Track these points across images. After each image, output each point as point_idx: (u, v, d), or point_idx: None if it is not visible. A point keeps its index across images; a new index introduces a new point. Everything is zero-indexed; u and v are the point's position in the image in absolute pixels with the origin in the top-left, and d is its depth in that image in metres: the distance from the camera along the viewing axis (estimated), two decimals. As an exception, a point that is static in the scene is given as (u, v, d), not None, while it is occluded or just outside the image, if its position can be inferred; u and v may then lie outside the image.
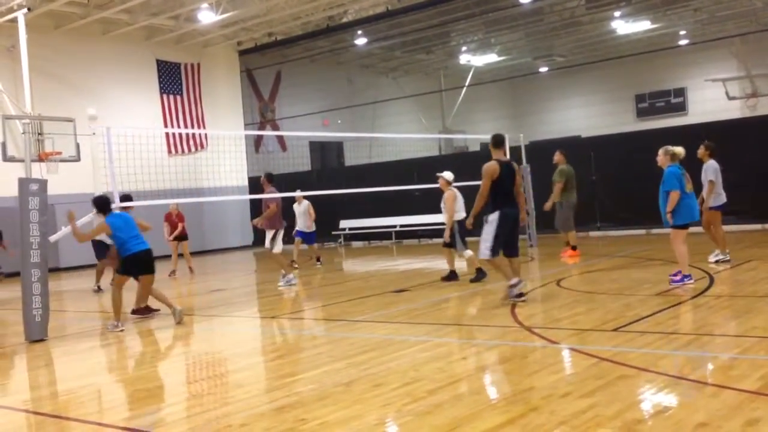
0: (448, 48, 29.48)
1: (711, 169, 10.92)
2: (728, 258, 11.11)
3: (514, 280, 8.74)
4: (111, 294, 9.58)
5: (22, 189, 8.65)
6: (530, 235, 16.75)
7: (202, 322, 9.87)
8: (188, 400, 5.86)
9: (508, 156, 10.41)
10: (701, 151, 11.16)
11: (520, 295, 8.78)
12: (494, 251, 8.72)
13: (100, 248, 13.40)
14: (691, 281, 9.18)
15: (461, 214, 11.03)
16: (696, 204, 9.44)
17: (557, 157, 14.08)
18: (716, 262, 11.11)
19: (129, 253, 9.28)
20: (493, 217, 8.72)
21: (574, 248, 13.89)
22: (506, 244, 8.85)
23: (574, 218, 14.05)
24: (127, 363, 7.69)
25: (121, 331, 9.11)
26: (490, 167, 8.63)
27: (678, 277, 9.25)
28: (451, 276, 11.22)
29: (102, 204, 9.48)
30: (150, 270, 9.54)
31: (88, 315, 11.27)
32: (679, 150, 9.41)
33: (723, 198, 11.05)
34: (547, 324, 7.62)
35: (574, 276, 11.11)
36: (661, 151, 9.50)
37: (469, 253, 11.14)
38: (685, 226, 9.26)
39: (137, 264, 9.41)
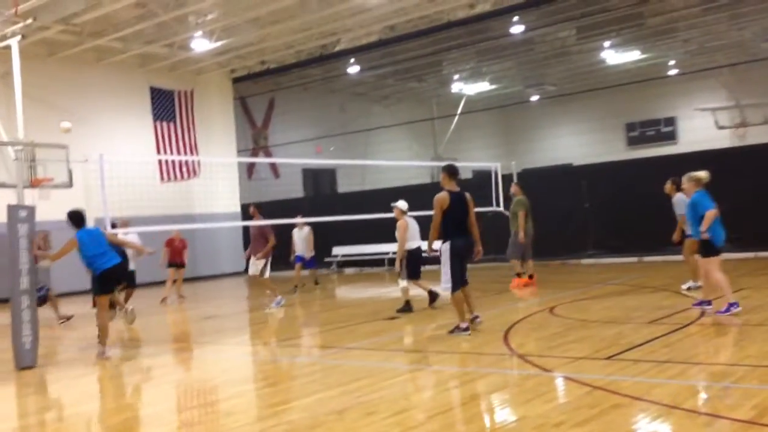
0: (440, 76, 29.71)
1: (680, 203, 11.01)
2: (699, 285, 10.94)
3: (464, 325, 8.72)
4: (97, 320, 9.37)
5: (11, 216, 8.63)
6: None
7: (193, 350, 9.79)
8: (179, 429, 5.79)
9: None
10: (668, 186, 11.40)
11: (467, 328, 8.74)
12: (455, 285, 8.72)
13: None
14: (738, 309, 8.78)
15: (412, 244, 11.20)
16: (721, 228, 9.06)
17: (513, 188, 14.30)
18: (688, 289, 11.25)
19: (100, 270, 9.10)
20: (445, 248, 8.73)
21: (519, 275, 14.00)
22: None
23: (530, 247, 14.13)
24: (116, 390, 7.60)
25: (107, 358, 8.98)
26: (440, 198, 8.68)
27: (724, 307, 8.84)
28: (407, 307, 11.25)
29: (77, 219, 9.28)
30: (121, 282, 9.49)
31: (79, 341, 11.16)
32: (704, 174, 9.18)
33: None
34: (540, 352, 7.59)
35: (567, 303, 11.11)
36: (685, 179, 9.35)
37: (404, 283, 11.28)
38: (719, 252, 8.97)
39: (110, 279, 9.31)
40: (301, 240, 16.10)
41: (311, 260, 16.51)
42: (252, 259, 13.36)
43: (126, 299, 14.14)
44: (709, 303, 9.24)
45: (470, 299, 9.07)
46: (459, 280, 8.74)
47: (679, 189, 11.13)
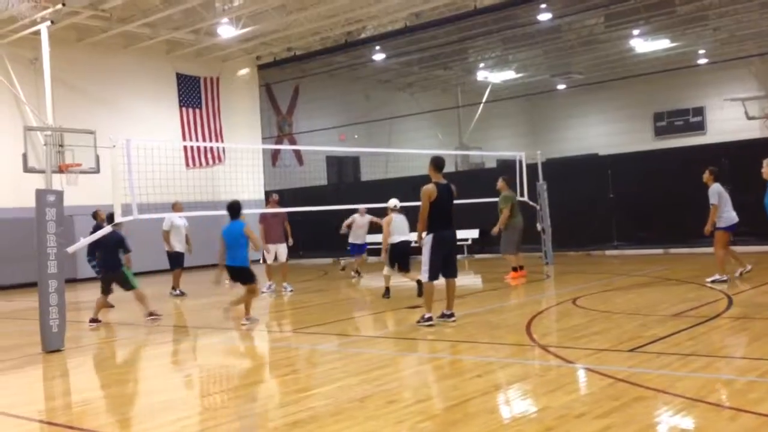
0: (465, 64, 29.54)
1: (714, 193, 11.22)
2: (725, 279, 11.25)
3: (427, 315, 8.81)
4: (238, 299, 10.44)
5: (39, 200, 8.74)
6: (546, 253, 16.67)
7: (216, 335, 9.89)
8: (202, 414, 5.86)
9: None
10: (706, 176, 11.48)
11: (430, 318, 8.82)
12: (432, 275, 8.83)
13: (175, 259, 14.57)
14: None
15: (396, 238, 11.82)
16: None
17: (500, 183, 14.24)
18: (713, 282, 11.26)
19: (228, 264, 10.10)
20: (427, 240, 8.82)
21: (515, 269, 13.95)
22: (445, 264, 8.90)
23: (520, 240, 14.11)
24: (143, 374, 7.71)
25: (247, 323, 10.00)
26: (428, 189, 8.76)
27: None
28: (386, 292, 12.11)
29: (231, 210, 10.12)
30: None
31: (104, 326, 11.32)
32: None
33: (731, 219, 11.26)
34: (562, 343, 7.56)
35: (590, 295, 11.04)
36: (765, 162, 9.47)
37: (386, 271, 12.12)
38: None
39: (231, 275, 10.45)
40: (361, 227, 16.11)
41: (363, 246, 16.61)
42: (280, 246, 14.10)
43: (177, 281, 14.59)
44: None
45: (451, 295, 9.05)
46: (437, 272, 8.84)
47: (716, 179, 11.30)
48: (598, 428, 4.56)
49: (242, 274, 10.16)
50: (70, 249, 9.57)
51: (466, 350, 7.65)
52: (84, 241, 10.92)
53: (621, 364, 6.30)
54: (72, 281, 18.42)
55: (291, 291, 14.16)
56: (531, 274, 14.45)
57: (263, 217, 14.15)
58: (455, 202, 9.06)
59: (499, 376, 6.41)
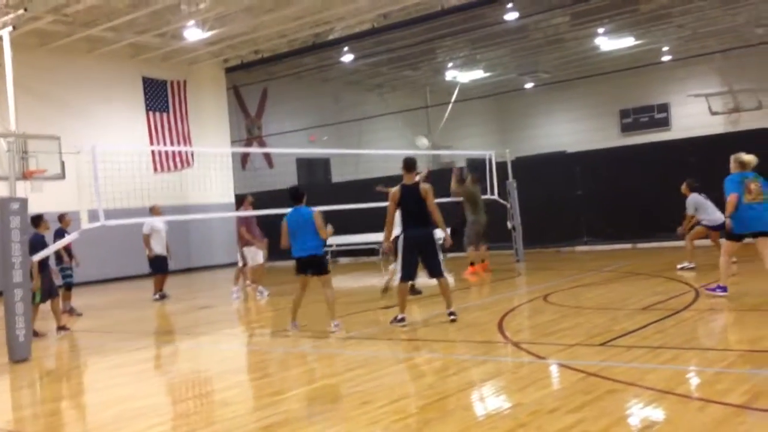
0: (434, 64, 29.62)
1: (690, 204, 12.00)
2: (693, 266, 12.14)
3: (400, 316, 8.87)
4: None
5: (3, 208, 8.59)
6: (517, 251, 16.78)
7: (188, 341, 9.80)
8: (174, 420, 5.80)
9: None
10: (683, 188, 12.19)
11: (403, 319, 8.88)
12: (402, 276, 8.89)
13: (156, 263, 14.51)
14: (724, 293, 9.01)
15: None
16: (756, 214, 8.92)
17: (469, 179, 14.74)
18: (681, 268, 12.16)
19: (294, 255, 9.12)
20: (399, 240, 8.93)
21: (472, 264, 14.42)
22: (426, 265, 8.91)
23: (483, 236, 14.52)
24: (112, 382, 7.60)
25: (292, 330, 9.14)
26: (391, 192, 8.92)
27: (713, 285, 9.28)
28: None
29: (293, 196, 9.20)
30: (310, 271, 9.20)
31: (73, 335, 11.15)
32: (748, 158, 9.27)
33: (717, 220, 11.68)
34: (534, 339, 7.62)
35: (561, 291, 11.14)
36: (732, 158, 9.56)
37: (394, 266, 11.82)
38: (738, 237, 8.99)
39: (298, 266, 9.27)
40: None
41: None
42: (255, 248, 13.83)
43: (160, 286, 14.53)
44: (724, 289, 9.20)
45: (445, 294, 8.99)
46: (408, 272, 8.86)
47: (693, 190, 12.05)
48: (570, 423, 4.61)
49: (315, 264, 9.03)
50: (35, 257, 9.42)
51: (440, 349, 7.67)
52: (51, 248, 10.73)
53: (592, 359, 6.37)
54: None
55: (267, 295, 13.99)
56: (502, 272, 14.55)
57: (244, 220, 13.85)
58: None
59: (472, 374, 6.43)
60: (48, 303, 10.85)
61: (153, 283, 14.84)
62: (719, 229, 11.68)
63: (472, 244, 14.43)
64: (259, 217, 14.44)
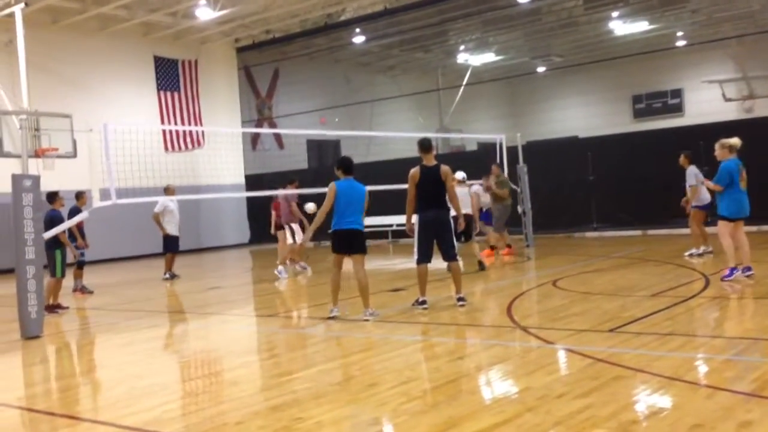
0: (446, 47, 29.45)
1: (691, 175, 11.89)
2: (701, 252, 12.19)
3: (421, 299, 8.83)
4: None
5: (16, 185, 8.63)
6: (527, 236, 16.75)
7: (197, 320, 9.87)
8: (183, 398, 5.85)
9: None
10: (682, 159, 12.10)
11: (424, 302, 8.83)
12: (419, 259, 8.82)
13: (169, 242, 14.61)
14: (742, 273, 9.25)
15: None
16: (746, 200, 9.46)
17: (495, 170, 14.81)
18: (690, 255, 12.17)
19: (333, 228, 8.52)
20: (415, 222, 8.89)
21: (492, 248, 14.81)
22: (440, 248, 8.88)
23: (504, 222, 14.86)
24: (122, 360, 7.66)
25: (334, 317, 8.50)
26: (411, 173, 8.79)
27: (726, 272, 9.33)
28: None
29: (346, 165, 8.70)
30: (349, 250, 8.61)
31: (84, 312, 11.25)
32: (735, 141, 9.44)
33: (705, 199, 11.92)
34: (543, 324, 7.63)
35: (570, 276, 11.13)
36: (717, 145, 9.58)
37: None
38: (731, 220, 9.35)
39: (337, 241, 8.64)
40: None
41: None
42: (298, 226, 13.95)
43: (170, 265, 14.53)
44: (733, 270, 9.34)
45: (456, 278, 8.95)
46: (424, 254, 8.78)
47: (692, 162, 11.97)
48: (578, 408, 4.62)
49: (357, 240, 8.52)
50: (47, 234, 9.48)
51: (448, 333, 7.69)
52: (62, 226, 10.79)
53: (600, 345, 6.37)
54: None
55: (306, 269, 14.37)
56: (512, 257, 14.56)
57: (292, 197, 13.90)
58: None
59: (480, 358, 6.45)
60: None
61: (164, 262, 14.93)
62: (707, 209, 11.80)
63: (499, 230, 14.70)
64: (270, 198, 14.52)
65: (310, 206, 13.36)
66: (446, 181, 8.70)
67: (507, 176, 15.46)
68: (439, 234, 8.81)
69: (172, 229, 14.56)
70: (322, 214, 8.56)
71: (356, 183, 8.68)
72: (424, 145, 8.87)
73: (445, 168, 8.74)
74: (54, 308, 10.81)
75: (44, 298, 10.17)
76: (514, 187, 15.85)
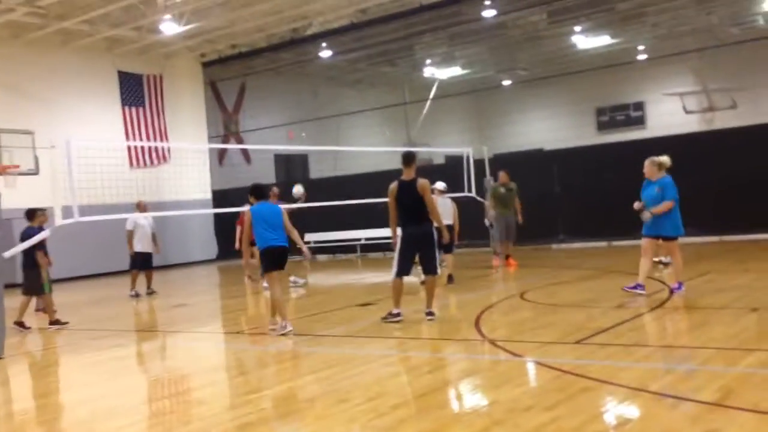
0: (412, 61, 29.62)
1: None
2: (669, 261, 12.00)
3: (395, 311, 8.86)
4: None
5: (-22, 204, 8.47)
6: (494, 248, 16.82)
7: (164, 339, 9.73)
8: (149, 419, 5.76)
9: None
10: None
11: (398, 314, 8.85)
12: (397, 272, 8.81)
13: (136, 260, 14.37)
14: (680, 290, 9.42)
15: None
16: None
17: (504, 177, 15.18)
18: (659, 262, 12.31)
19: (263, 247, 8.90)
20: (399, 236, 8.91)
21: (507, 257, 15.09)
22: (421, 262, 8.92)
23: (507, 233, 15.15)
24: (87, 380, 7.53)
25: (288, 332, 8.58)
26: (390, 188, 8.87)
27: (676, 284, 9.54)
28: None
29: (258, 192, 9.23)
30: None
31: (46, 332, 11.03)
32: (665, 159, 9.67)
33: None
34: (510, 337, 7.67)
35: (537, 289, 11.22)
36: (647, 162, 9.67)
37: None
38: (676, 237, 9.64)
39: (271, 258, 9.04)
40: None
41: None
42: None
43: (144, 283, 14.50)
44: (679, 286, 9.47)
45: (428, 292, 8.96)
46: (402, 268, 8.79)
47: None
48: (545, 420, 4.64)
49: (285, 257, 9.02)
50: (7, 254, 9.29)
51: (417, 347, 7.69)
52: (22, 246, 10.58)
53: (567, 356, 6.42)
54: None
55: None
56: (479, 270, 14.62)
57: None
58: None
59: (449, 372, 6.46)
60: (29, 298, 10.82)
61: (130, 279, 14.70)
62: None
63: (500, 241, 15.01)
64: (235, 214, 14.36)
65: (297, 190, 13.10)
66: (423, 195, 8.69)
67: (493, 184, 15.53)
68: (421, 248, 8.82)
69: (139, 247, 14.34)
70: (245, 242, 9.46)
71: (270, 204, 9.30)
72: (408, 159, 8.92)
73: (422, 182, 8.73)
74: (20, 325, 10.65)
75: (49, 312, 10.33)
76: (471, 195, 16.13)
